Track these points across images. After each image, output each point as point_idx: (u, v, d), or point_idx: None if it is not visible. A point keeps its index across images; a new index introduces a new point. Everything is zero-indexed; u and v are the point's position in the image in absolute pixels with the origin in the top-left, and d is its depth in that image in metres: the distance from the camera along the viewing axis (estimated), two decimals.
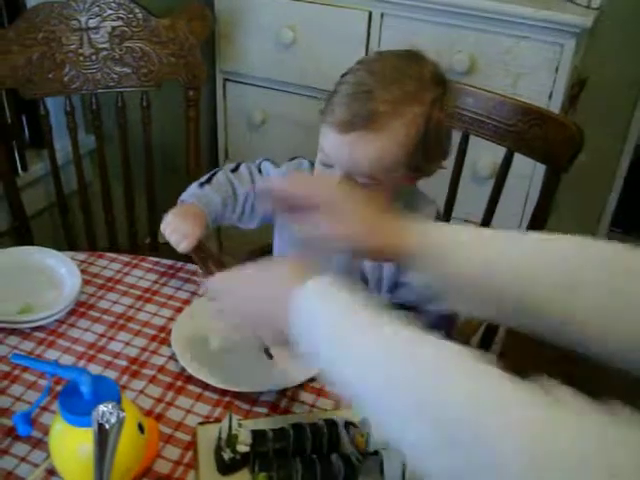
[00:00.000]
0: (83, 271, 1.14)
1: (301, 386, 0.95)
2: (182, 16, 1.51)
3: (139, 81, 1.53)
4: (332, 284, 0.73)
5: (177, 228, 1.05)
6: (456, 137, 1.32)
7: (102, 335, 1.04)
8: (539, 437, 0.53)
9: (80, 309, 1.09)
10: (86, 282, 1.13)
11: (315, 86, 1.96)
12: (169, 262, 1.21)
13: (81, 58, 1.49)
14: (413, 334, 0.67)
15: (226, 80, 2.14)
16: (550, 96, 1.73)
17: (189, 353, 0.98)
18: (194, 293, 1.13)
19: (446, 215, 1.38)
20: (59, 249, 1.18)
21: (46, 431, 0.83)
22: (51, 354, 1.00)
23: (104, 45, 1.50)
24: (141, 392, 0.94)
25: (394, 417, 0.63)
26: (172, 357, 1.00)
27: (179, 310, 1.09)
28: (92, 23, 1.48)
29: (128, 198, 1.64)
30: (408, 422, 0.61)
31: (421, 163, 0.98)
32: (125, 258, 1.21)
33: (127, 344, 1.03)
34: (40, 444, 0.85)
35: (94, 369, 0.97)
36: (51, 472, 0.81)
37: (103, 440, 0.65)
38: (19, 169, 1.63)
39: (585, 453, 0.52)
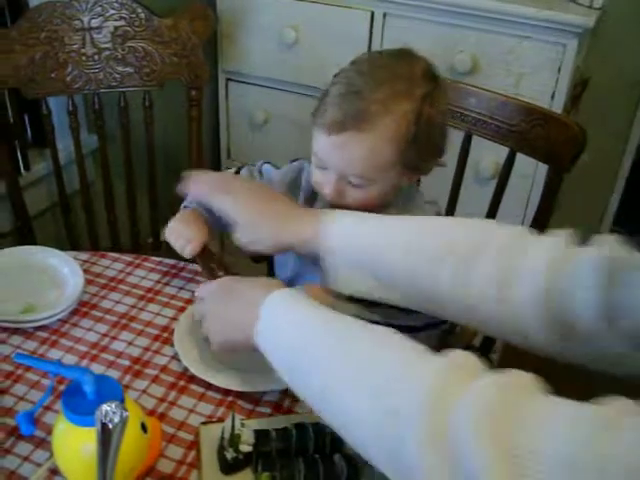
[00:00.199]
0: (86, 271, 1.14)
1: None
2: (184, 16, 1.51)
3: (141, 81, 1.53)
4: (292, 295, 0.81)
5: (181, 234, 1.06)
6: (459, 137, 1.33)
7: (105, 335, 1.04)
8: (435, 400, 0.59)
9: (83, 309, 1.09)
10: (89, 282, 1.13)
11: (317, 86, 1.94)
12: (172, 262, 1.21)
13: (83, 58, 1.49)
14: (366, 334, 0.73)
15: (228, 80, 2.14)
16: (552, 96, 1.73)
17: (192, 353, 0.98)
18: (194, 292, 1.13)
19: (449, 215, 1.38)
20: (61, 249, 1.18)
21: (49, 430, 0.83)
22: (54, 354, 1.00)
23: (106, 45, 1.50)
24: (144, 392, 0.94)
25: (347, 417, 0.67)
26: (175, 357, 1.00)
27: (182, 310, 1.09)
28: (95, 23, 1.48)
29: (130, 198, 1.64)
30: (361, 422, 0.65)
31: (415, 160, 0.97)
32: (128, 258, 1.22)
33: (130, 344, 1.03)
34: (43, 444, 0.85)
35: (97, 369, 0.97)
36: (54, 472, 0.81)
37: (106, 440, 0.65)
38: (21, 169, 1.64)
39: (488, 409, 0.56)
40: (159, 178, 1.65)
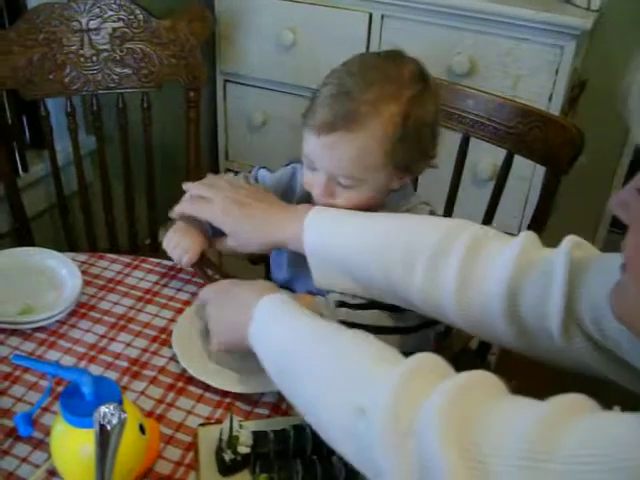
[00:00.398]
0: (84, 272, 1.14)
1: None
2: (183, 17, 1.51)
3: (140, 82, 1.53)
4: (283, 300, 0.84)
5: (178, 244, 1.06)
6: (456, 139, 1.33)
7: (103, 336, 1.04)
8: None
9: (81, 310, 1.09)
10: (87, 283, 1.13)
11: (315, 88, 1.96)
12: (170, 263, 1.21)
13: (82, 59, 1.49)
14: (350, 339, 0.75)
15: (226, 81, 2.14)
16: (550, 98, 1.73)
17: (190, 354, 0.98)
18: (195, 294, 1.13)
19: (446, 217, 1.38)
20: (60, 250, 1.18)
21: (47, 432, 0.83)
22: (52, 355, 1.00)
23: (105, 46, 1.50)
24: (142, 393, 0.94)
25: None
26: (173, 358, 1.00)
27: (180, 311, 1.09)
28: (93, 24, 1.48)
29: (128, 199, 1.64)
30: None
31: (404, 161, 0.97)
32: (126, 259, 1.22)
33: (128, 345, 1.03)
34: (41, 445, 0.85)
35: (95, 370, 0.97)
36: (52, 473, 0.81)
37: (104, 441, 0.65)
38: (20, 170, 1.63)
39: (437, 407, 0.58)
40: (157, 179, 1.65)
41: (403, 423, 0.58)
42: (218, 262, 1.09)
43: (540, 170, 1.69)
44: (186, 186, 1.07)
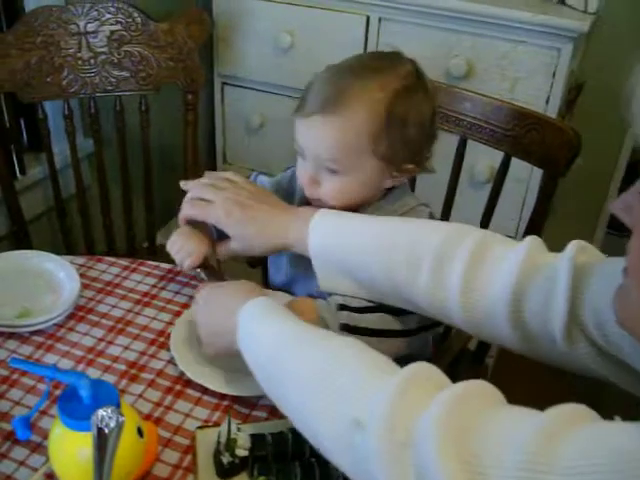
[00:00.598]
0: (82, 275, 1.14)
1: None
2: (180, 20, 1.51)
3: (137, 85, 1.53)
4: (266, 305, 0.84)
5: (182, 247, 1.05)
6: (454, 141, 1.33)
7: (101, 339, 1.04)
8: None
9: (79, 313, 1.09)
10: (85, 286, 1.13)
11: None
12: (168, 266, 1.21)
13: (79, 62, 1.49)
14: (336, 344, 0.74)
15: (224, 84, 2.14)
16: (547, 101, 1.74)
17: (188, 357, 0.98)
18: (193, 297, 1.13)
19: (444, 220, 1.38)
20: (57, 253, 1.18)
21: (45, 435, 0.83)
22: (50, 358, 1.00)
23: (102, 49, 1.50)
24: (140, 396, 0.94)
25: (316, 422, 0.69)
26: (171, 361, 1.00)
27: (178, 314, 1.09)
28: (90, 27, 1.48)
29: (126, 202, 1.64)
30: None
31: (389, 154, 0.97)
32: (124, 262, 1.22)
33: (126, 348, 1.03)
34: (39, 448, 0.85)
35: (93, 373, 0.97)
36: (50, 476, 0.80)
37: (102, 444, 0.65)
38: (17, 173, 1.63)
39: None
40: (155, 182, 1.65)
41: (400, 434, 0.58)
42: (218, 267, 1.09)
43: (537, 172, 1.70)
44: (185, 185, 1.06)
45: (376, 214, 1.00)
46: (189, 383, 0.96)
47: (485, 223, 1.36)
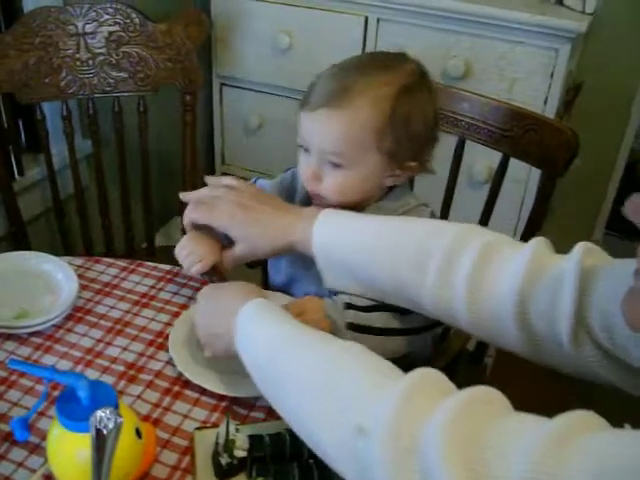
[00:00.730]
0: (80, 276, 1.14)
1: None
2: (179, 21, 1.51)
3: (136, 86, 1.53)
4: (265, 306, 0.84)
5: (192, 252, 1.04)
6: (452, 142, 1.33)
7: (99, 340, 1.04)
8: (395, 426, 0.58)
9: (77, 314, 1.09)
10: (83, 287, 1.13)
11: None
12: (166, 267, 1.21)
13: (78, 63, 1.49)
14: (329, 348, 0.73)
15: (223, 85, 2.14)
16: (545, 101, 1.74)
17: (186, 358, 0.98)
18: (191, 298, 1.13)
19: (442, 219, 1.38)
20: (56, 254, 1.18)
21: (43, 436, 0.83)
22: (48, 359, 1.00)
23: (101, 50, 1.50)
24: (138, 397, 0.94)
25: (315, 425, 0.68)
26: (169, 362, 1.00)
27: (176, 315, 1.09)
28: (89, 28, 1.48)
29: (124, 203, 1.64)
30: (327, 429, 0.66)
31: (393, 149, 0.98)
32: (122, 263, 1.22)
33: (124, 349, 1.03)
34: (37, 449, 0.85)
35: (91, 374, 0.97)
36: (48, 477, 0.80)
37: (101, 445, 0.65)
38: (16, 174, 1.63)
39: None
40: (153, 183, 1.65)
41: (405, 441, 0.57)
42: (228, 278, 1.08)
43: (536, 173, 1.70)
44: (185, 196, 1.06)
45: (377, 213, 1.00)
46: (187, 384, 0.96)
47: (484, 223, 1.36)
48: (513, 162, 1.29)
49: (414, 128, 0.98)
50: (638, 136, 2.30)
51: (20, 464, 0.83)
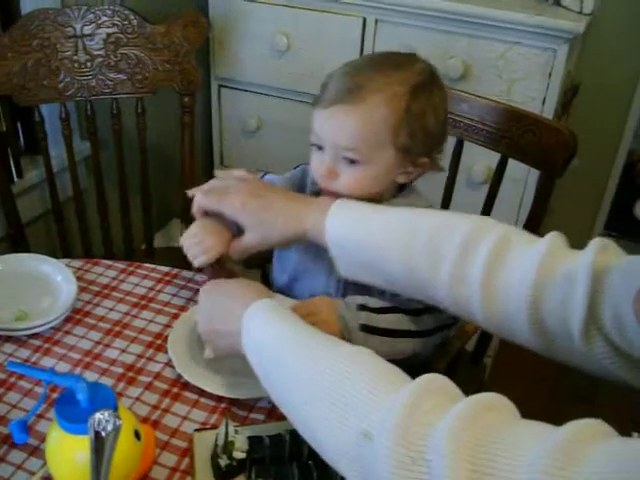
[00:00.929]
0: (79, 278, 1.14)
1: None
2: (177, 23, 1.51)
3: (134, 87, 1.53)
4: (273, 307, 0.83)
5: (201, 242, 1.02)
6: (451, 143, 1.33)
7: (98, 342, 1.04)
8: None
9: (76, 316, 1.09)
10: (82, 289, 1.13)
11: (310, 92, 1.96)
12: (165, 269, 1.21)
13: (76, 65, 1.49)
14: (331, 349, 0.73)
15: (221, 86, 2.14)
16: (544, 102, 1.74)
17: (185, 360, 0.98)
18: (190, 299, 1.13)
19: None
20: (54, 256, 1.18)
21: (42, 439, 0.83)
22: (47, 362, 1.00)
23: (99, 52, 1.50)
24: (137, 399, 0.94)
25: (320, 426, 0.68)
26: (168, 364, 1.00)
27: (175, 317, 1.09)
28: (87, 30, 1.48)
29: (123, 204, 1.64)
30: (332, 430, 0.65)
31: (408, 145, 0.99)
32: (121, 265, 1.22)
33: (123, 351, 1.03)
34: (36, 452, 0.85)
35: (90, 376, 0.97)
36: None
37: (99, 448, 0.65)
38: (14, 176, 1.63)
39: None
40: (152, 185, 1.65)
41: (412, 448, 0.56)
42: (232, 272, 1.07)
43: (534, 173, 1.70)
44: (191, 191, 1.05)
45: None
46: (186, 386, 0.96)
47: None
48: (512, 163, 1.30)
49: (428, 123, 0.99)
50: (636, 136, 2.30)
51: (19, 466, 0.84)
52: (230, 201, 0.99)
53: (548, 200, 1.28)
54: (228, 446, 0.81)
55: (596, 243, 0.77)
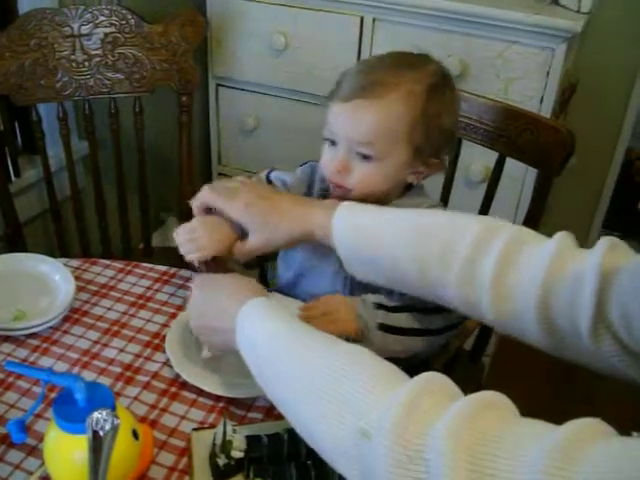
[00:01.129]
0: (77, 277, 1.14)
1: None
2: (174, 22, 1.51)
3: (132, 87, 1.53)
4: (267, 306, 0.82)
5: (198, 238, 0.99)
6: None
7: (96, 342, 1.04)
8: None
9: (74, 316, 1.09)
10: (80, 289, 1.13)
11: (307, 91, 1.96)
12: (163, 268, 1.21)
13: (74, 64, 1.49)
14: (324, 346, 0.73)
15: (219, 85, 2.14)
16: (541, 100, 1.74)
17: (183, 359, 0.98)
18: (188, 299, 1.13)
19: None
20: (52, 255, 1.18)
21: (40, 438, 0.83)
22: (45, 361, 1.00)
23: (97, 51, 1.50)
24: (135, 398, 0.94)
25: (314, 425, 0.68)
26: (166, 363, 1.00)
27: (173, 316, 1.09)
28: (84, 30, 1.48)
29: (121, 204, 1.64)
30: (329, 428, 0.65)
31: (423, 144, 0.99)
32: (119, 264, 1.21)
33: (121, 350, 1.03)
34: (34, 451, 0.85)
35: (88, 376, 0.97)
36: (45, 479, 0.80)
37: (97, 447, 0.65)
38: (12, 175, 1.63)
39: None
40: (150, 184, 1.65)
41: (411, 447, 0.56)
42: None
43: (532, 172, 1.70)
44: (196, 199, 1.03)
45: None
46: (184, 385, 0.96)
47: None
48: (509, 161, 1.30)
49: (443, 123, 1.00)
50: (634, 134, 2.30)
51: (17, 466, 0.84)
52: (237, 203, 0.98)
53: (546, 199, 1.28)
54: (226, 445, 0.81)
55: (605, 242, 0.77)
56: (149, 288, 1.16)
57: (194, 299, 0.94)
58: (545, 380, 1.41)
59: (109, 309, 1.11)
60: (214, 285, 0.93)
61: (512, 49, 1.71)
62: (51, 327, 1.05)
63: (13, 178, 1.63)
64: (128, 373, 0.99)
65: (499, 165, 1.31)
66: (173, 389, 0.96)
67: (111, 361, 1.01)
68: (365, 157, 0.99)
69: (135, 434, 0.76)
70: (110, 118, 1.55)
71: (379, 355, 0.71)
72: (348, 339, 0.92)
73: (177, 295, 1.15)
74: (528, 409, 0.59)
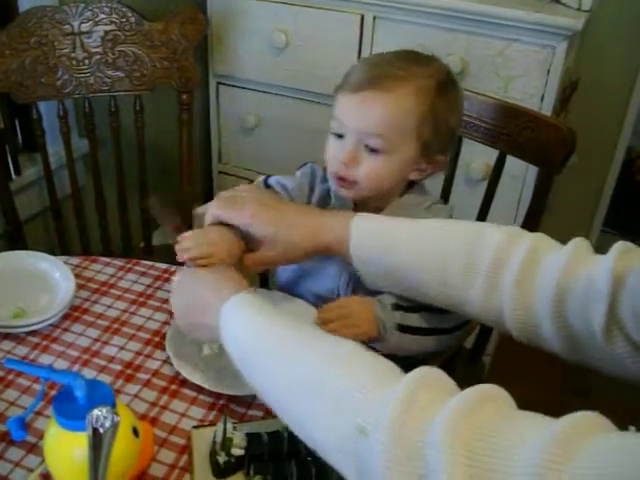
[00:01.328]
0: (77, 275, 1.14)
1: None
2: (175, 20, 1.51)
3: (132, 85, 1.53)
4: (251, 301, 0.81)
5: (197, 246, 0.95)
6: None
7: (96, 339, 1.04)
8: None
9: (74, 313, 1.09)
10: (80, 286, 1.13)
11: (308, 89, 1.96)
12: (163, 266, 1.21)
13: (74, 62, 1.49)
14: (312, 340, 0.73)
15: (219, 83, 2.14)
16: (542, 98, 1.74)
17: (183, 357, 0.98)
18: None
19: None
20: (52, 253, 1.18)
21: (40, 436, 0.83)
22: (45, 359, 1.00)
23: (97, 49, 1.50)
24: (136, 396, 0.94)
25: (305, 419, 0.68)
26: (167, 361, 1.00)
27: (173, 314, 1.09)
28: (85, 27, 1.48)
29: (121, 202, 1.64)
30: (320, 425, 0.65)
31: (430, 140, 1.00)
32: (119, 262, 1.21)
33: (121, 348, 1.03)
34: (34, 449, 0.85)
35: (88, 373, 0.97)
36: (46, 477, 0.80)
37: (98, 444, 0.65)
38: (12, 173, 1.63)
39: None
40: (150, 182, 1.65)
41: (409, 444, 0.56)
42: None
43: (533, 169, 1.69)
44: (200, 209, 1.03)
45: (400, 209, 1.02)
46: (185, 383, 0.96)
47: (481, 220, 1.36)
48: (510, 159, 1.30)
49: (450, 120, 1.01)
50: (635, 133, 2.30)
51: (17, 464, 0.84)
52: (242, 212, 0.96)
53: (547, 197, 1.28)
54: (226, 443, 0.81)
55: (619, 246, 0.78)
56: (149, 286, 1.16)
57: (176, 297, 0.93)
58: (545, 380, 1.41)
59: (109, 307, 1.11)
60: (195, 281, 0.91)
61: (513, 47, 1.71)
62: (51, 325, 1.05)
63: (13, 176, 1.63)
64: (128, 371, 0.99)
65: (500, 163, 1.31)
66: (173, 387, 0.96)
67: (111, 359, 1.01)
68: (373, 150, 0.98)
69: (135, 432, 0.76)
70: (110, 116, 1.55)
71: (396, 354, 0.71)
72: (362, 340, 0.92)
73: None
74: (527, 407, 0.59)
